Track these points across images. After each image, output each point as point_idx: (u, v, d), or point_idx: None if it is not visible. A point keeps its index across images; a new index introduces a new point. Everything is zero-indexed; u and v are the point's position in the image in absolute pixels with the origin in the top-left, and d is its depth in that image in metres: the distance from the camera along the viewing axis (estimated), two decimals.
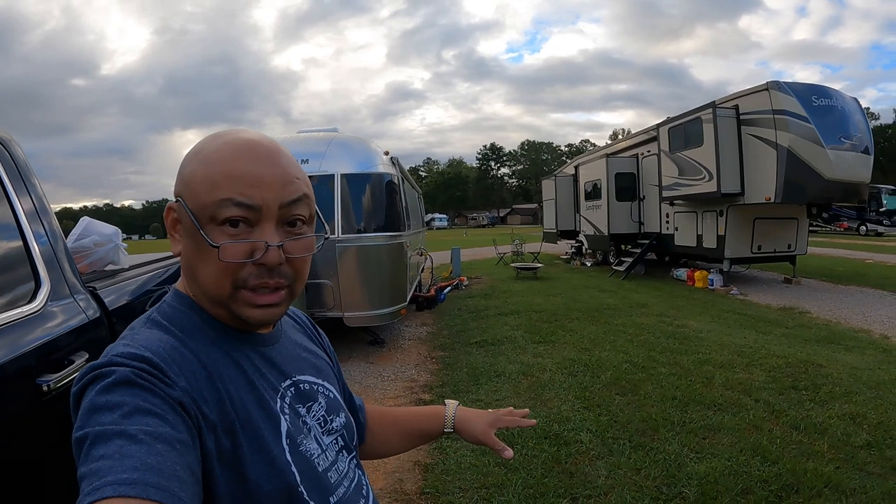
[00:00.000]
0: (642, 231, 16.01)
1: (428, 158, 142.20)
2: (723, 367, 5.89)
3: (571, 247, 21.37)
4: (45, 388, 1.57)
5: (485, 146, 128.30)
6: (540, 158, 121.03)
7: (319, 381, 1.04)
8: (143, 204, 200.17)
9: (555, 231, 21.96)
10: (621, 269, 14.80)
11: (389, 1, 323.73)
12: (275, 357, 0.96)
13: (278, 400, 0.90)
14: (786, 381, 5.36)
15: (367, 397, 5.64)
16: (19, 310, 1.66)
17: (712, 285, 12.09)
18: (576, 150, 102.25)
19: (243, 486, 0.78)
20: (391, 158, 8.36)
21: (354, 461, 1.05)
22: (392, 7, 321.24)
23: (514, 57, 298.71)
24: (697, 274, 12.80)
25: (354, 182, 7.50)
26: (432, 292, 11.32)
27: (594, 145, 68.64)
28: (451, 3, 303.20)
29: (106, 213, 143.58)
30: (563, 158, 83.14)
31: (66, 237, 2.56)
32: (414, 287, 10.32)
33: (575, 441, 4.15)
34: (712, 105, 11.64)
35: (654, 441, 4.09)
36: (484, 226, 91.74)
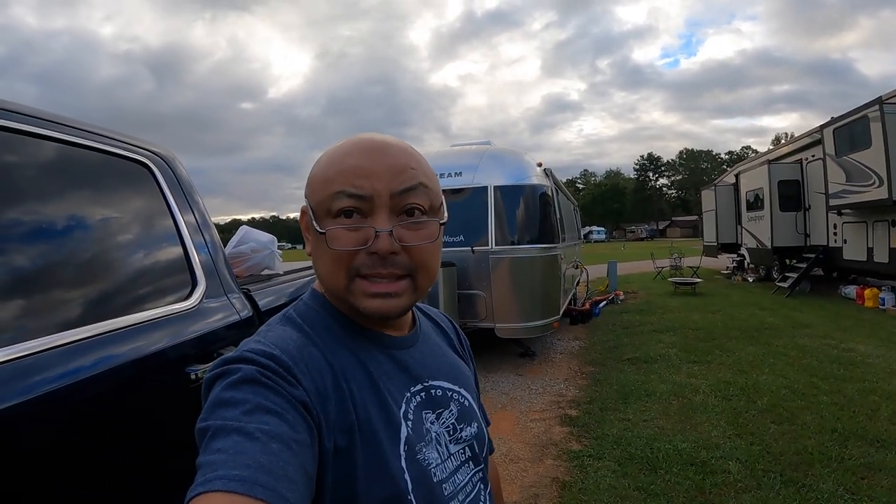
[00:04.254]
0: (808, 244, 14.54)
1: (585, 170, 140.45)
2: (890, 398, 5.33)
3: (733, 261, 20.13)
4: (192, 377, 1.71)
5: (642, 156, 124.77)
6: (699, 168, 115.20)
7: (455, 388, 0.99)
8: None
9: (715, 244, 20.63)
10: (785, 285, 13.77)
11: (540, 14, 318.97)
12: (407, 361, 0.93)
13: (403, 405, 0.87)
14: None
15: (513, 409, 5.66)
16: (176, 305, 1.84)
17: (884, 305, 10.86)
18: (736, 158, 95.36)
19: (353, 488, 0.77)
20: (545, 170, 8.30)
21: (479, 474, 0.99)
22: (543, 20, 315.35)
23: (669, 62, 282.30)
24: (867, 292, 11.55)
25: (508, 194, 7.49)
26: (587, 306, 11.15)
27: (755, 152, 64.14)
28: (603, 11, 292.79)
29: (272, 224, 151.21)
30: (724, 167, 78.27)
31: (227, 244, 2.79)
32: (568, 300, 10.18)
33: (722, 470, 3.92)
34: (878, 101, 10.38)
35: (808, 477, 3.77)
36: (642, 239, 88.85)
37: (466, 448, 0.96)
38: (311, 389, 0.75)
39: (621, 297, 13.99)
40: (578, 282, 13.27)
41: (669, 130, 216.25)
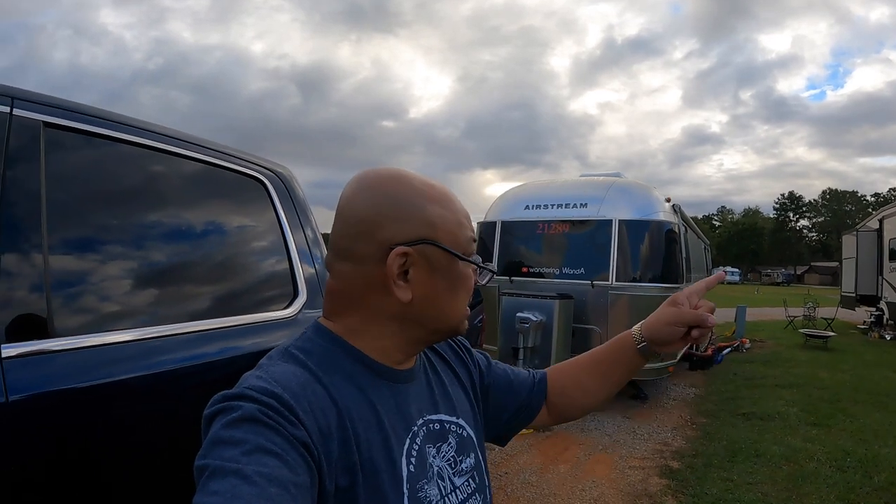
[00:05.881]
0: None
1: (722, 207, 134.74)
2: None
3: (871, 315, 17.99)
4: None
5: (783, 195, 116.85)
6: (843, 210, 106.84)
7: (453, 420, 1.00)
8: None
9: (853, 295, 18.72)
10: None
11: (681, 42, 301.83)
12: (410, 394, 0.94)
13: (407, 441, 0.87)
14: None
15: (613, 453, 5.53)
16: (277, 313, 1.96)
17: None
18: (883, 201, 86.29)
19: None
20: (673, 206, 8.01)
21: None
22: (685, 48, 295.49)
23: (815, 94, 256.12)
24: None
25: (632, 229, 7.30)
26: (709, 352, 10.68)
27: None
28: (746, 39, 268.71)
29: None
30: (869, 210, 72.12)
31: None
32: (689, 344, 9.77)
33: None
34: None
35: None
36: (778, 283, 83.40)
37: (470, 480, 0.97)
38: (314, 429, 0.74)
39: (747, 345, 13.23)
40: None
41: (814, 168, 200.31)
